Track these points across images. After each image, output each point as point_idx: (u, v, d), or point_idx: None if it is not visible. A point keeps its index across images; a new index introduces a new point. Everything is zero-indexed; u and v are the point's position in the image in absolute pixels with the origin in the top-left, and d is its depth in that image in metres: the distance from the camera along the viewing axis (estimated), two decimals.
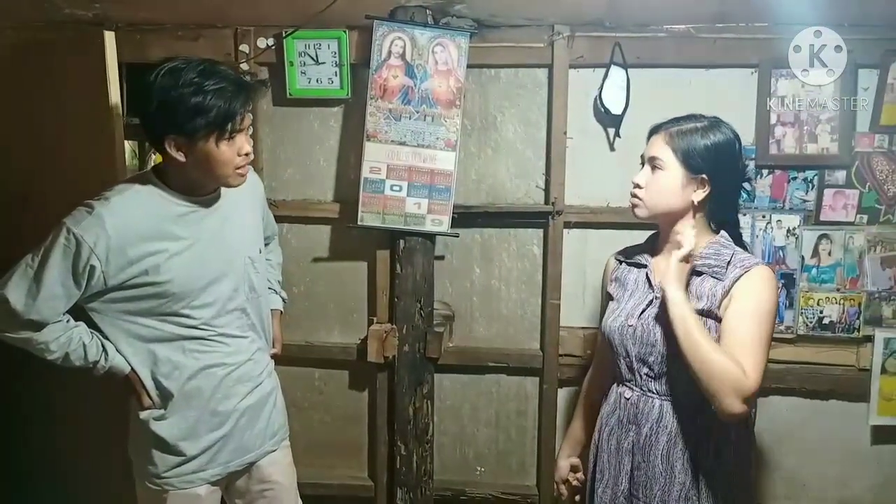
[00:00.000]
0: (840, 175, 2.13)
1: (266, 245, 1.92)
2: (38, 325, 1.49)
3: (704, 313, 1.48)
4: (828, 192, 2.14)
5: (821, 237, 2.16)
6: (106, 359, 1.55)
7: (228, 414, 1.65)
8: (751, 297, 1.45)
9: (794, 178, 2.15)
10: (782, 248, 2.17)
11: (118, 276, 1.49)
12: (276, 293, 1.98)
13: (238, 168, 1.55)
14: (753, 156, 2.14)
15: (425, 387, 2.30)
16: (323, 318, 2.40)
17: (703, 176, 1.50)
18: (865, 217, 2.14)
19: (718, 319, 1.48)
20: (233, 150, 1.51)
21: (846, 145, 2.11)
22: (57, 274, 1.45)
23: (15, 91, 2.14)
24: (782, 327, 2.18)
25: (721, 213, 1.57)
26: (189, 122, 1.45)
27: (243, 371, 1.67)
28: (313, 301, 2.39)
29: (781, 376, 2.22)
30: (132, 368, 1.58)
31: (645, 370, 1.56)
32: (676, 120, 1.56)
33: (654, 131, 1.58)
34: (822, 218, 2.15)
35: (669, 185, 1.52)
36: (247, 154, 1.55)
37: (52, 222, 1.47)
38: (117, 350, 1.57)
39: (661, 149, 1.53)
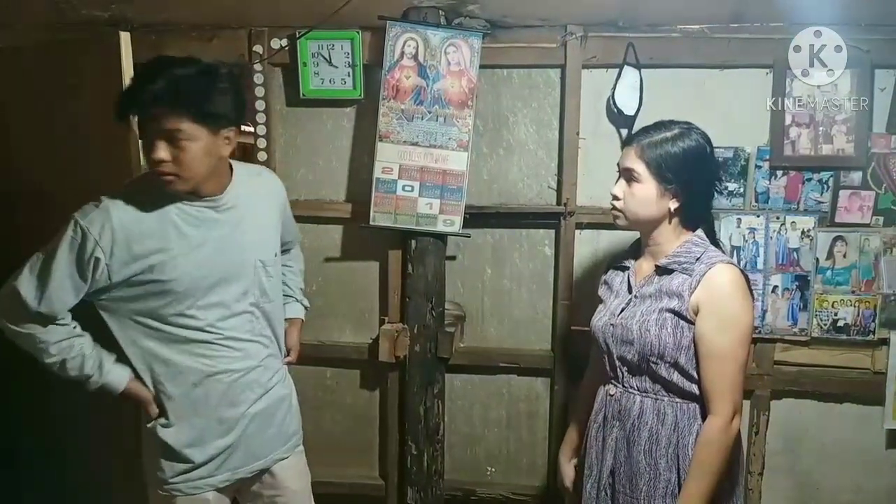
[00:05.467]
0: (856, 176, 2.11)
1: (287, 251, 1.92)
2: (46, 320, 1.51)
3: (675, 313, 1.53)
4: (843, 194, 2.12)
5: (836, 239, 2.14)
6: (100, 374, 1.55)
7: (236, 421, 1.65)
8: (719, 307, 1.51)
9: (809, 180, 2.13)
10: (797, 249, 2.15)
11: (122, 272, 1.50)
12: (298, 301, 1.98)
13: (157, 172, 1.47)
14: (768, 157, 2.12)
15: (436, 387, 2.31)
16: (335, 318, 2.41)
17: (675, 186, 1.54)
18: (881, 219, 2.12)
19: (689, 321, 1.53)
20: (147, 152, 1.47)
21: (862, 146, 2.08)
22: (64, 266, 1.48)
23: (32, 90, 2.17)
24: (796, 329, 2.17)
25: (695, 214, 1.61)
26: None
27: (252, 377, 1.67)
28: (325, 300, 2.39)
29: (795, 379, 2.20)
30: (128, 384, 1.57)
31: (625, 367, 1.62)
32: (647, 130, 1.59)
33: (627, 142, 1.63)
34: (837, 220, 2.13)
35: (645, 197, 1.57)
36: (160, 161, 1.45)
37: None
38: (126, 355, 1.57)
39: (634, 161, 1.57)
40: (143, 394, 1.60)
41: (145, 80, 1.43)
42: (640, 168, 1.55)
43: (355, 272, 2.37)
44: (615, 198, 1.61)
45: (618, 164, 1.63)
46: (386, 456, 2.43)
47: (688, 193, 1.56)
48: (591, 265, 2.26)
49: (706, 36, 2.11)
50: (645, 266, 1.66)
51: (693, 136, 1.56)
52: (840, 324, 2.17)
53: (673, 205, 1.56)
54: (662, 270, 1.59)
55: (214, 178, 1.57)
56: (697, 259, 1.55)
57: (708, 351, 1.51)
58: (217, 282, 1.58)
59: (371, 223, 2.20)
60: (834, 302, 2.16)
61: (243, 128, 1.52)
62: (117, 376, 1.57)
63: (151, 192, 1.53)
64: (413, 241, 2.23)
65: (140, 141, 1.52)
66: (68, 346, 1.53)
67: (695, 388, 1.55)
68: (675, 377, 1.55)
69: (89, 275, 1.49)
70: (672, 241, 1.60)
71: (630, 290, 1.65)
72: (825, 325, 2.17)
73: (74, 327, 1.55)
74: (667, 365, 1.55)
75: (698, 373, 1.54)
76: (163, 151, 1.44)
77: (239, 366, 1.64)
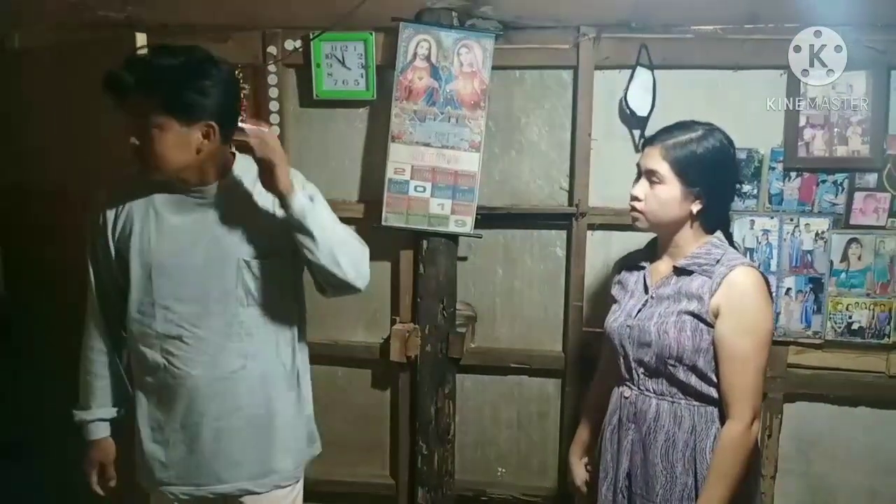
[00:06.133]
0: (871, 178, 2.09)
1: None
2: (99, 318, 1.63)
3: (694, 315, 1.51)
4: (858, 196, 2.10)
5: (850, 241, 2.12)
6: (84, 408, 1.63)
7: (198, 429, 1.58)
8: (740, 310, 1.49)
9: (824, 181, 2.11)
10: (810, 251, 2.13)
11: (118, 247, 1.57)
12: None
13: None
14: (781, 158, 2.11)
15: (447, 387, 2.31)
16: (346, 317, 2.42)
17: (699, 189, 1.52)
18: None
19: (708, 324, 1.51)
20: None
21: (878, 148, 2.07)
22: (91, 250, 1.60)
23: (51, 91, 2.19)
24: (810, 332, 2.15)
25: (716, 216, 1.60)
26: None
27: (217, 389, 1.58)
28: (337, 300, 2.37)
29: (809, 382, 2.19)
30: (101, 440, 1.65)
31: (641, 370, 1.60)
32: (670, 131, 1.56)
33: (648, 142, 1.59)
34: (851, 222, 2.11)
35: (668, 199, 1.54)
36: (131, 146, 1.46)
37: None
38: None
39: (657, 162, 1.54)
40: (106, 457, 1.66)
41: (123, 68, 1.43)
42: (663, 169, 1.53)
43: None
44: (636, 199, 1.58)
45: (638, 165, 1.60)
46: (397, 456, 2.44)
47: (711, 195, 1.54)
48: (602, 266, 2.26)
49: (720, 37, 2.10)
50: (662, 267, 1.63)
51: (717, 137, 1.54)
52: (854, 327, 2.15)
53: (695, 207, 1.54)
54: (681, 272, 1.57)
55: (197, 170, 1.51)
56: (717, 261, 1.53)
57: (728, 354, 1.49)
58: (195, 275, 1.55)
59: (383, 223, 2.21)
60: (848, 305, 2.14)
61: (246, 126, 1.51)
62: (95, 427, 1.65)
63: (147, 179, 1.54)
64: (425, 242, 2.24)
65: None
66: (101, 370, 1.65)
67: (713, 392, 1.53)
68: (693, 380, 1.54)
69: (99, 250, 1.58)
70: (692, 243, 1.58)
71: (646, 291, 1.63)
72: (839, 327, 2.15)
73: (117, 356, 1.66)
74: (685, 368, 1.53)
75: (717, 376, 1.52)
76: (133, 138, 1.45)
77: (200, 372, 1.56)
